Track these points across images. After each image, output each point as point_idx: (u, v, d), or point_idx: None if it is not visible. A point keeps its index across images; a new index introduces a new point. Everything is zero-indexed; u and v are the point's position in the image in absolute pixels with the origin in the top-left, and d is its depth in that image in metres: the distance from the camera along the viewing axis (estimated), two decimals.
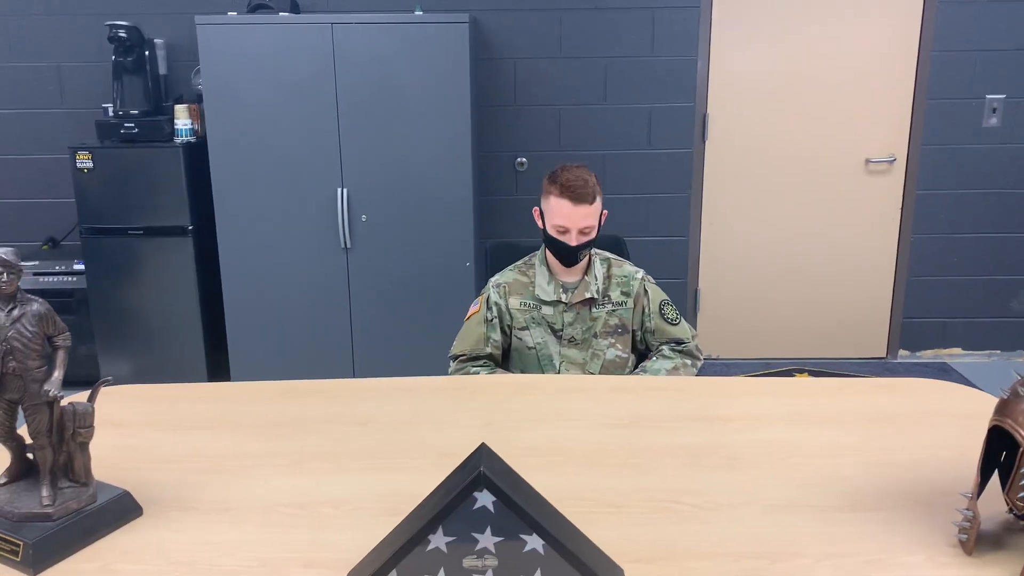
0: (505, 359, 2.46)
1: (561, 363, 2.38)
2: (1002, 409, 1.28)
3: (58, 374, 1.32)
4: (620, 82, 4.28)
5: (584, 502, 1.46)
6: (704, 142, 4.36)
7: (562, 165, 2.32)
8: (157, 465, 1.62)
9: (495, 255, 2.75)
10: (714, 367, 4.55)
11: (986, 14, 4.15)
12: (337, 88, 3.73)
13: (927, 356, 4.61)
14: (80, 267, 4.11)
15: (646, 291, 2.43)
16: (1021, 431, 1.22)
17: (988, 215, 4.40)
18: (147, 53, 3.96)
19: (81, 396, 1.49)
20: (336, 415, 1.86)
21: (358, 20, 3.70)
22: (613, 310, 2.40)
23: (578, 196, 2.24)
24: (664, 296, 2.46)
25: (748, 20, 4.24)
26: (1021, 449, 1.21)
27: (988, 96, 4.25)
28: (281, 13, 3.85)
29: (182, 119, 3.94)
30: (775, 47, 4.27)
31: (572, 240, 2.27)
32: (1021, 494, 1.22)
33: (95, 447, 1.41)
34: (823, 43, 4.25)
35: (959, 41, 4.19)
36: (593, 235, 2.31)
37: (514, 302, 2.40)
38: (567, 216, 2.26)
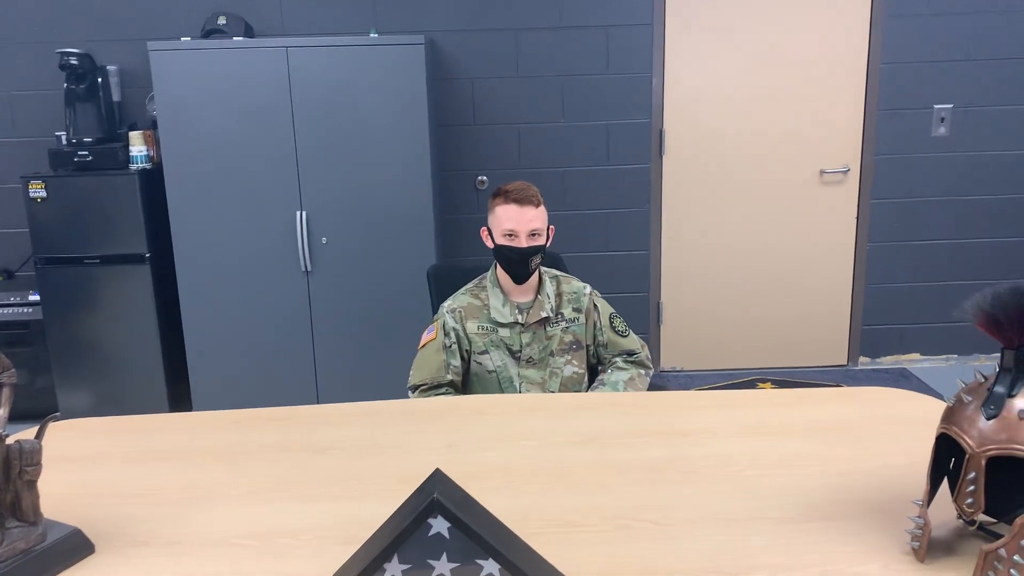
0: (463, 385, 2.44)
1: (521, 384, 2.38)
2: (948, 417, 1.30)
3: (2, 412, 1.30)
4: (577, 100, 4.31)
5: (543, 522, 1.46)
6: (661, 157, 4.40)
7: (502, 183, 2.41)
8: (110, 500, 1.59)
9: (438, 277, 2.74)
10: (678, 379, 4.58)
11: (930, 27, 4.25)
12: (294, 112, 3.72)
13: (887, 362, 4.68)
14: (35, 298, 4.05)
15: (595, 305, 2.48)
16: (966, 438, 1.24)
17: (941, 222, 4.49)
18: (100, 80, 3.93)
19: (29, 433, 1.46)
20: (294, 443, 1.84)
21: (313, 43, 3.70)
22: (567, 327, 2.42)
23: (522, 198, 2.31)
24: (612, 309, 2.52)
25: (700, 37, 4.30)
26: (967, 456, 1.23)
27: (936, 106, 4.34)
28: (235, 38, 3.84)
29: (137, 146, 3.91)
30: (727, 63, 4.33)
31: (522, 242, 2.30)
32: (968, 500, 1.24)
33: (46, 484, 1.39)
34: (774, 58, 4.32)
35: (906, 53, 4.28)
36: (542, 241, 2.34)
37: (471, 326, 2.39)
38: (514, 219, 2.30)
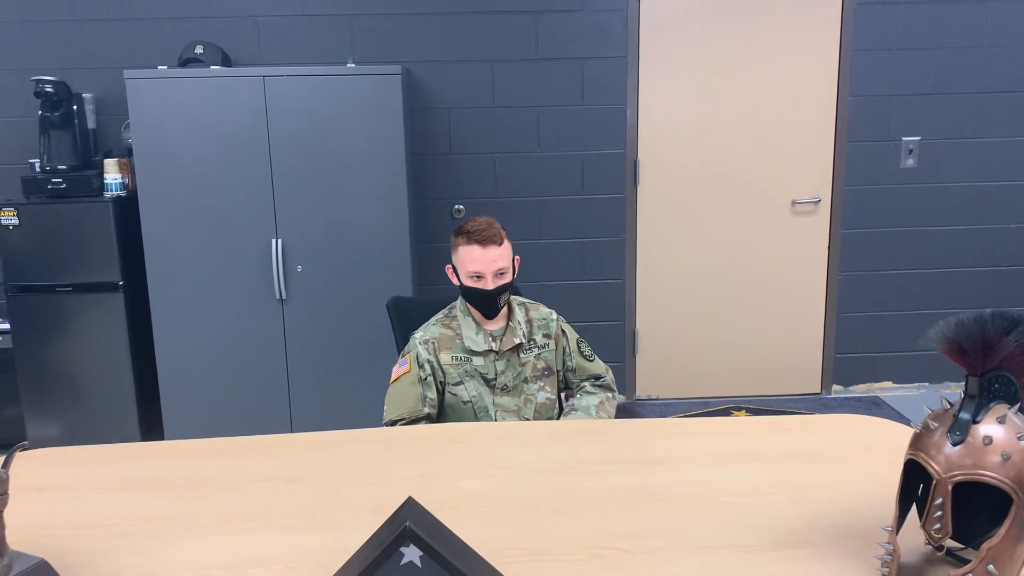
0: (438, 417, 2.42)
1: (496, 412, 2.38)
2: (916, 443, 1.32)
3: None
4: (553, 130, 4.36)
5: (516, 551, 1.45)
6: (636, 187, 4.45)
7: (465, 220, 2.40)
8: (79, 531, 1.56)
9: (398, 310, 2.72)
10: (654, 407, 4.59)
11: (897, 61, 4.35)
12: (270, 140, 3.72)
13: (859, 390, 4.72)
14: (6, 326, 4.00)
15: (563, 331, 2.51)
16: (933, 464, 1.25)
17: (911, 252, 4.56)
18: (75, 108, 3.92)
19: None
20: (267, 472, 1.82)
21: (290, 73, 3.72)
22: (539, 353, 2.43)
23: (485, 239, 2.29)
24: (577, 335, 2.55)
25: (673, 70, 4.36)
26: (934, 481, 1.25)
27: (904, 138, 4.43)
28: (212, 67, 3.85)
29: (112, 173, 3.89)
30: (700, 95, 4.40)
31: (489, 284, 2.30)
32: (936, 525, 1.25)
33: (14, 514, 1.37)
34: (746, 91, 4.39)
35: (874, 87, 4.37)
36: (508, 278, 2.34)
37: (445, 357, 2.38)
38: (479, 260, 2.29)
